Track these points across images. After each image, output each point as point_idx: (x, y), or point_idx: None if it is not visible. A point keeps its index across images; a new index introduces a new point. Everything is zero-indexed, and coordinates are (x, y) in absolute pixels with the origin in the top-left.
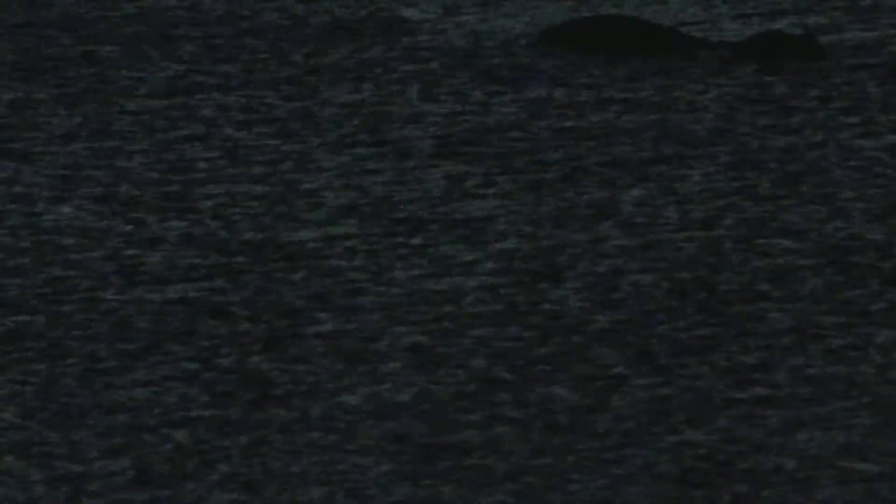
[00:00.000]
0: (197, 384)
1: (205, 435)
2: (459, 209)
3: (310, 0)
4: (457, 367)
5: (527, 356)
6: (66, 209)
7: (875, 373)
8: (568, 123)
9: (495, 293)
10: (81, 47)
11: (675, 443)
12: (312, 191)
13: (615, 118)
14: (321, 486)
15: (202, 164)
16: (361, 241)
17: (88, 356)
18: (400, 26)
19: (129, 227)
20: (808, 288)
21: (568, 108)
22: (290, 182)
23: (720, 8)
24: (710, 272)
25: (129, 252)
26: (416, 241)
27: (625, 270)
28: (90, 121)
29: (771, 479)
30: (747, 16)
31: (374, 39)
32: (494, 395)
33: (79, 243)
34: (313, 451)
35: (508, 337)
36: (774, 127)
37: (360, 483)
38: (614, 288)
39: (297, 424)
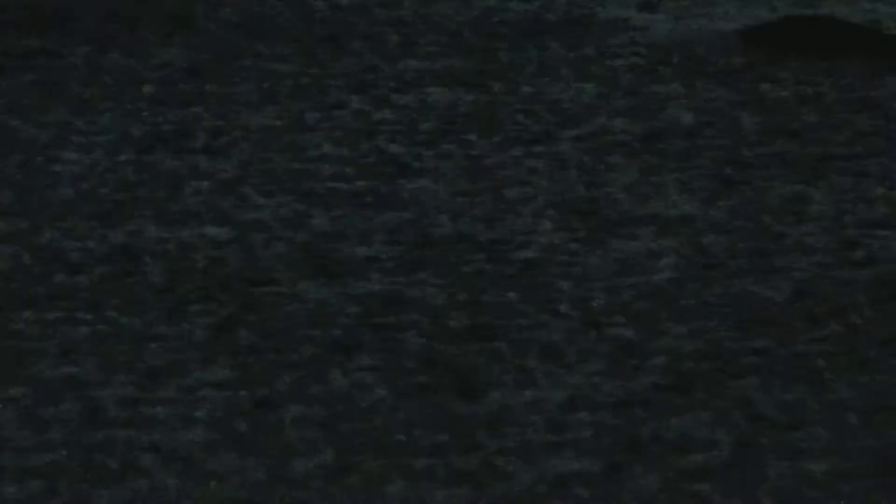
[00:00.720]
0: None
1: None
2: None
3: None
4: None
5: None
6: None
7: None
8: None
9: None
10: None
11: None
12: (516, 190)
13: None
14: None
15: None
16: (564, 237)
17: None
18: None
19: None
20: None
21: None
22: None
23: None
24: None
25: (327, 245)
26: (615, 237)
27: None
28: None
29: None
30: None
31: (582, 38)
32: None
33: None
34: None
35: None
36: None
37: None
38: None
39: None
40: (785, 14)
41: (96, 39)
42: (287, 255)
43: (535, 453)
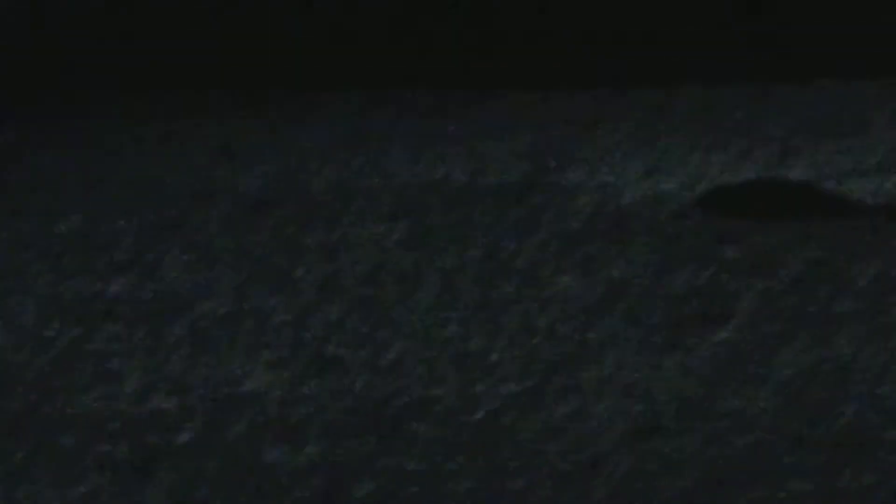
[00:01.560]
0: None
1: None
2: None
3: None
4: None
5: None
6: None
7: None
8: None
9: None
10: None
11: None
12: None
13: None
14: None
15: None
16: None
17: None
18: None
19: None
20: None
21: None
22: None
23: (865, 163)
24: None
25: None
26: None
27: None
28: None
29: None
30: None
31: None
32: None
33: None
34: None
35: None
36: None
37: None
38: None
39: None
40: (752, 177)
41: None
42: None
43: None
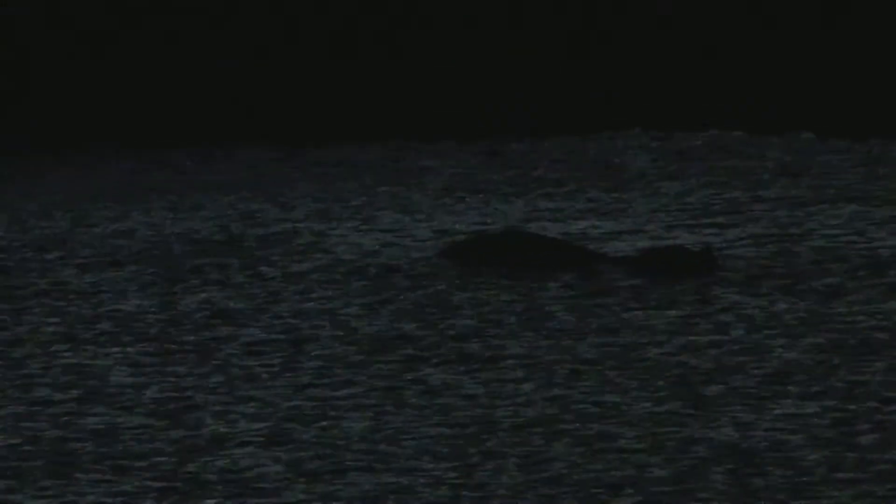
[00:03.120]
0: None
1: None
2: None
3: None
4: None
5: None
6: None
7: None
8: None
9: None
10: None
11: None
12: None
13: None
14: None
15: None
16: None
17: None
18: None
19: None
20: None
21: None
22: None
23: (618, 221)
24: None
25: None
26: None
27: None
28: None
29: None
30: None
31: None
32: None
33: None
34: None
35: None
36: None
37: None
38: None
39: None
40: (486, 227)
41: None
42: None
43: None
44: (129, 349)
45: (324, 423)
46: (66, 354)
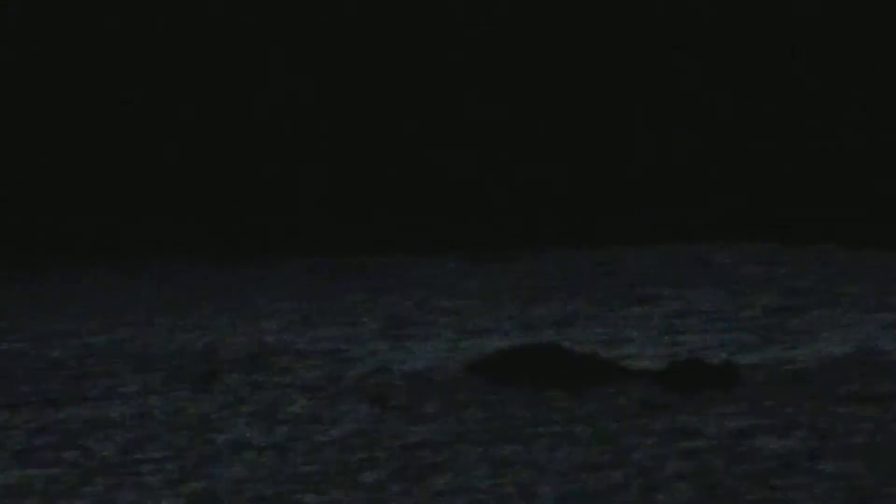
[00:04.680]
0: None
1: None
2: None
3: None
4: None
5: None
6: None
7: None
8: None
9: None
10: None
11: None
12: None
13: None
14: None
15: None
16: None
17: None
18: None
19: None
20: None
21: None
22: None
23: (637, 332)
24: None
25: None
26: None
27: None
28: None
29: None
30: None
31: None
32: None
33: None
34: None
35: None
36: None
37: None
38: None
39: None
40: (510, 344)
41: None
42: None
43: None
44: None
45: None
46: None
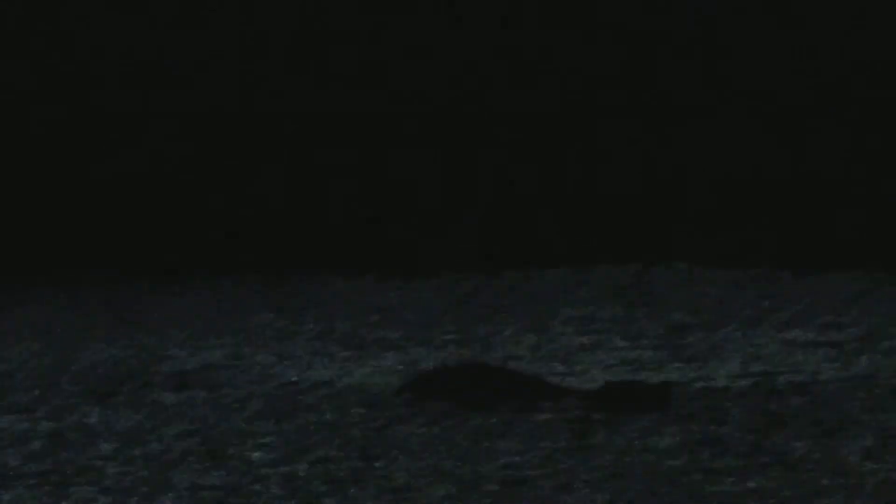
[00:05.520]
0: None
1: None
2: None
3: None
4: None
5: None
6: None
7: None
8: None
9: None
10: None
11: None
12: None
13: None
14: None
15: None
16: None
17: None
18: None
19: None
20: None
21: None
22: None
23: (583, 358)
24: None
25: None
26: None
27: None
28: None
29: None
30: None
31: None
32: None
33: None
34: None
35: None
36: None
37: None
38: None
39: None
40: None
41: None
42: None
43: None
44: None
45: None
46: None
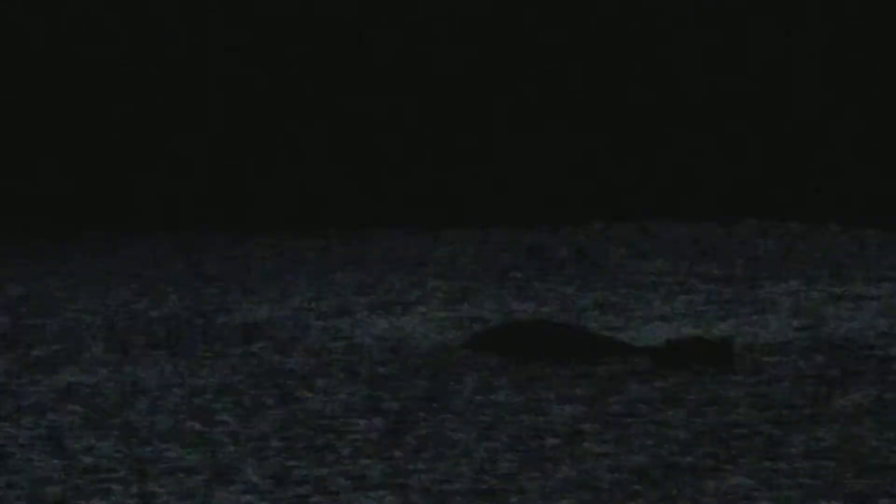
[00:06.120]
0: None
1: None
2: None
3: None
4: None
5: None
6: None
7: None
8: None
9: None
10: None
11: None
12: None
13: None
14: None
15: None
16: None
17: None
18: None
19: None
20: None
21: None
22: None
23: (636, 312)
24: None
25: None
26: None
27: None
28: None
29: None
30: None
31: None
32: None
33: None
34: None
35: None
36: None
37: None
38: None
39: None
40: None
41: None
42: None
43: None
44: None
45: None
46: None
